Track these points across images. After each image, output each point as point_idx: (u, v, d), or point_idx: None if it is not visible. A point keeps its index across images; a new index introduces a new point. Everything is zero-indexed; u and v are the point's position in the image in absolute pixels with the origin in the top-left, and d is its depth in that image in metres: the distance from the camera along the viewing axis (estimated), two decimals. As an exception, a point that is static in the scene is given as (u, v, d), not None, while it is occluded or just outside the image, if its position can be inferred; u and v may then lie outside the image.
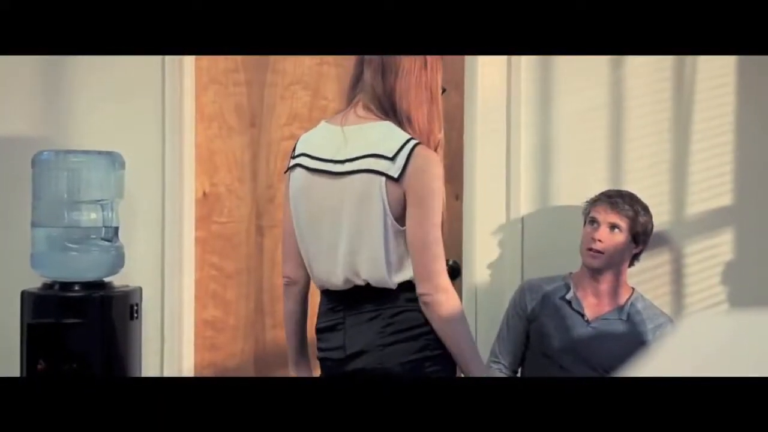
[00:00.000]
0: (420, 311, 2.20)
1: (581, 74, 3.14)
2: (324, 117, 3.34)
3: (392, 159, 2.17)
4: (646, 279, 3.06)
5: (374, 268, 2.19)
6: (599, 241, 2.78)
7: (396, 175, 2.16)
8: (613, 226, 2.79)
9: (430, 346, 2.20)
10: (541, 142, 3.16)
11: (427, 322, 2.19)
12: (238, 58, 3.29)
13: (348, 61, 3.29)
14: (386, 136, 2.20)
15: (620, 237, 2.80)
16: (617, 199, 2.80)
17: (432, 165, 2.18)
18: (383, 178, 2.17)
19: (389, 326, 2.20)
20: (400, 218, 2.19)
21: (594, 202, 2.85)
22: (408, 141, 2.18)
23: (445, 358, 2.21)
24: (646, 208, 2.84)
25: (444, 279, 2.20)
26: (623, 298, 2.86)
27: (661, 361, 1.14)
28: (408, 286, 2.21)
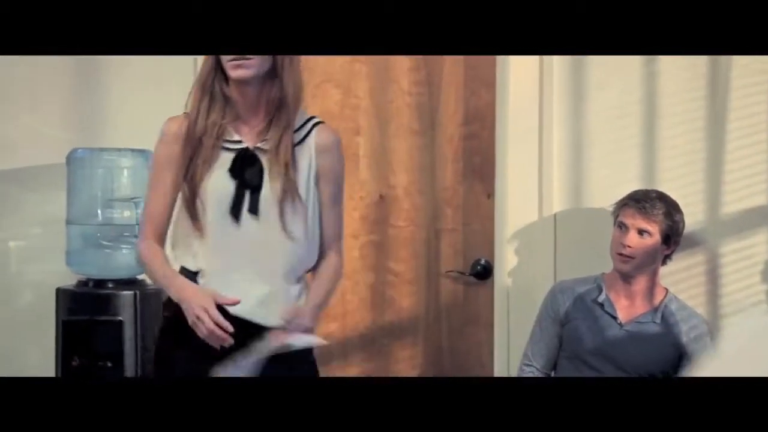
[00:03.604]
0: None
1: (613, 71, 3.11)
2: (355, 115, 3.37)
3: None
4: (680, 279, 3.03)
5: None
6: (628, 246, 2.76)
7: None
8: (642, 231, 2.76)
9: None
10: (573, 140, 3.14)
11: None
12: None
13: (380, 60, 3.30)
14: None
15: (650, 241, 2.76)
16: (645, 204, 2.76)
17: None
18: None
19: None
20: None
21: (622, 205, 2.81)
22: None
23: None
24: (676, 207, 2.81)
25: None
26: (657, 299, 2.83)
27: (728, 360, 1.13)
28: None
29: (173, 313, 2.27)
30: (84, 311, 2.97)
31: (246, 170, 2.25)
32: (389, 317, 3.32)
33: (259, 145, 2.27)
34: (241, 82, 2.24)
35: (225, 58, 2.22)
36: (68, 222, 3.11)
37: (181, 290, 2.22)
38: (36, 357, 3.18)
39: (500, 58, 3.18)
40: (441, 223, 3.30)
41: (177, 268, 2.31)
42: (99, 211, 3.07)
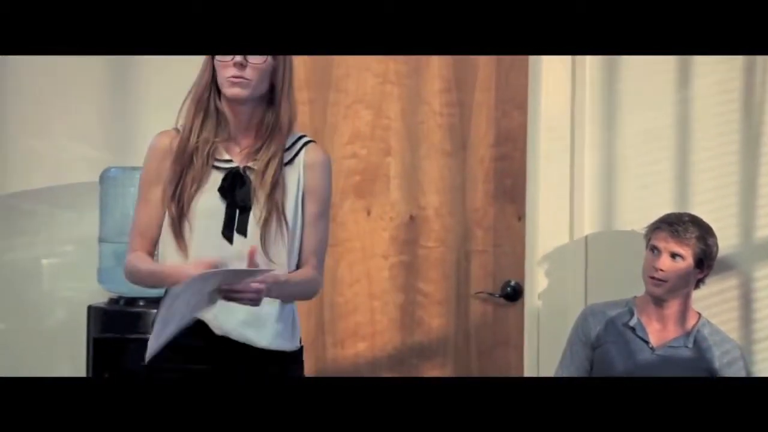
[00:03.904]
0: None
1: (646, 94, 3.10)
2: (386, 136, 3.38)
3: None
4: (713, 304, 3.01)
5: None
6: (661, 269, 2.74)
7: None
8: (675, 255, 2.74)
9: None
10: (605, 162, 3.13)
11: None
12: (302, 77, 3.32)
13: (411, 81, 3.31)
14: None
15: (683, 264, 2.74)
16: (678, 227, 2.74)
17: None
18: None
19: None
20: None
21: (655, 228, 2.79)
22: None
23: None
24: (709, 231, 2.79)
25: None
26: (689, 324, 2.81)
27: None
28: None
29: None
30: (115, 329, 2.99)
31: (235, 190, 2.24)
32: (418, 338, 3.31)
33: (248, 164, 2.26)
34: (236, 101, 2.24)
35: (222, 75, 2.21)
36: (101, 240, 3.13)
37: (170, 275, 2.19)
38: (67, 373, 3.20)
39: (532, 79, 3.18)
40: (471, 244, 3.29)
41: None
42: (131, 230, 3.09)
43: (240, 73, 2.20)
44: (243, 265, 2.16)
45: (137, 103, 3.29)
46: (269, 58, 2.22)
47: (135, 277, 2.33)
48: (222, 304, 2.17)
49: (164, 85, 3.26)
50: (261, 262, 2.19)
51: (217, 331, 2.23)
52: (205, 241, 2.23)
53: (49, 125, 3.29)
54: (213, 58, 2.24)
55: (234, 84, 2.21)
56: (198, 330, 2.22)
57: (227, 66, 2.20)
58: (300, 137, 2.33)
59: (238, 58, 2.19)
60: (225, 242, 2.23)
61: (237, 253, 2.22)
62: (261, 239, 2.23)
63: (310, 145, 2.33)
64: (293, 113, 2.28)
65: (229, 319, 2.23)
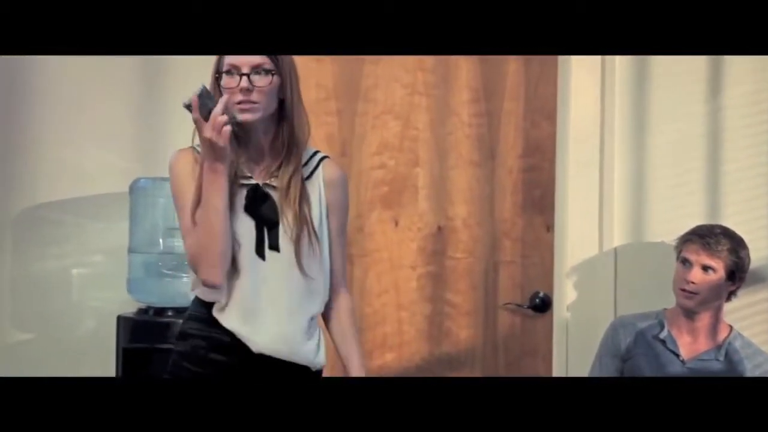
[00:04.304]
0: None
1: (676, 104, 3.09)
2: (414, 146, 3.37)
3: None
4: (745, 316, 2.98)
5: None
6: (692, 282, 2.71)
7: None
8: (706, 267, 2.72)
9: None
10: (635, 173, 3.11)
11: None
12: (330, 87, 3.32)
13: (440, 92, 3.31)
14: None
15: (714, 277, 2.72)
16: (710, 239, 2.71)
17: None
18: None
19: None
20: None
21: (686, 241, 2.77)
22: None
23: None
24: (741, 243, 2.76)
25: None
26: (721, 336, 2.78)
27: None
28: None
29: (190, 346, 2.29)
30: (144, 339, 3.00)
31: (260, 207, 2.26)
32: (446, 349, 3.30)
33: (268, 181, 2.28)
34: (250, 125, 2.24)
35: (231, 101, 2.20)
36: (130, 250, 3.15)
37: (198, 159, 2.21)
38: (96, 383, 3.22)
39: (561, 89, 3.17)
40: (499, 255, 3.28)
41: (191, 295, 2.32)
42: (160, 240, 3.11)
43: (247, 98, 2.21)
44: (279, 279, 2.22)
45: (166, 113, 3.31)
46: (274, 77, 2.23)
47: (199, 248, 2.23)
48: (258, 321, 2.21)
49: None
50: (298, 277, 2.24)
51: (254, 348, 2.25)
52: (241, 260, 2.24)
53: (78, 136, 3.31)
54: (219, 83, 2.23)
55: (243, 110, 2.21)
56: (234, 347, 2.24)
57: (234, 92, 2.21)
58: (315, 153, 2.35)
59: (244, 83, 2.20)
60: (258, 259, 2.25)
61: (272, 269, 2.24)
62: (296, 255, 2.25)
63: (327, 160, 2.35)
64: (307, 125, 2.30)
65: (264, 336, 2.25)
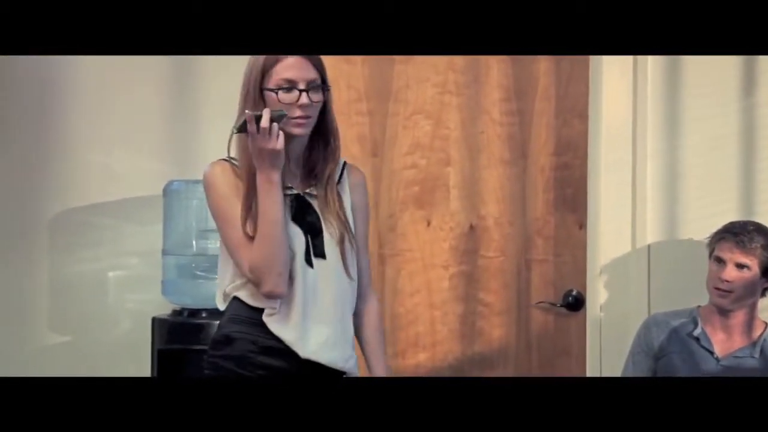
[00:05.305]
0: None
1: (710, 102, 3.07)
2: (446, 146, 3.38)
3: None
4: (779, 314, 2.95)
5: None
6: (726, 280, 2.70)
7: None
8: (740, 265, 2.70)
9: None
10: (667, 170, 3.09)
11: None
12: (362, 88, 3.33)
13: (471, 91, 3.31)
14: None
15: (749, 274, 2.70)
16: (743, 237, 2.69)
17: None
18: None
19: None
20: None
21: (719, 239, 2.75)
22: None
23: None
24: (776, 239, 2.74)
25: None
26: (756, 333, 2.76)
27: None
28: None
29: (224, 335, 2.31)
30: (179, 340, 3.03)
31: (305, 215, 2.29)
32: (479, 348, 3.30)
33: (307, 191, 2.31)
34: (297, 138, 2.27)
35: (290, 114, 2.22)
36: (164, 252, 3.18)
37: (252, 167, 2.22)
38: (132, 384, 3.25)
39: (593, 87, 3.16)
40: (532, 253, 3.27)
41: (230, 298, 2.31)
42: (194, 242, 3.13)
43: (306, 113, 2.24)
44: (326, 285, 2.26)
45: (198, 116, 3.33)
46: (326, 92, 2.27)
47: (262, 251, 2.23)
48: (307, 328, 2.24)
49: (227, 101, 3.29)
50: (344, 282, 2.29)
51: (302, 353, 2.26)
52: (294, 268, 2.26)
53: (110, 138, 3.34)
54: (262, 94, 2.24)
55: (300, 125, 2.24)
56: (282, 351, 2.26)
57: (292, 107, 2.22)
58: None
59: (304, 99, 2.22)
60: (307, 267, 2.27)
61: (320, 276, 2.27)
62: (342, 260, 2.29)
63: (349, 165, 2.41)
64: (339, 132, 2.34)
65: (311, 342, 2.26)
